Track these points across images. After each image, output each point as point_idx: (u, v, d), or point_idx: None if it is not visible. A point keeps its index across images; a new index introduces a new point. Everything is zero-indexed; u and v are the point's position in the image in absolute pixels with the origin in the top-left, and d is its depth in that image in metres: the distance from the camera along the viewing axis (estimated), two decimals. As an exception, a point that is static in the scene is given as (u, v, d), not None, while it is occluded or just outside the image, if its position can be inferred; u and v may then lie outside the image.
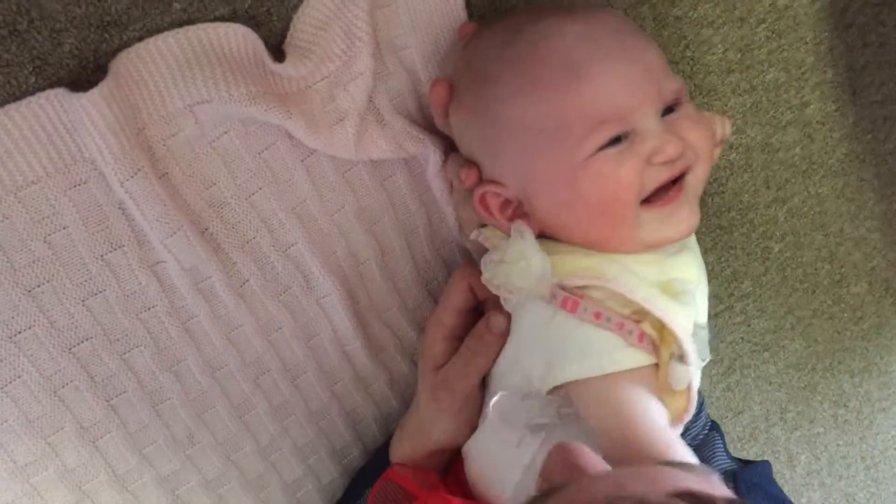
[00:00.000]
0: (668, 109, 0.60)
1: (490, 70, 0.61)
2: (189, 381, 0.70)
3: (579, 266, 0.61)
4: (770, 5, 0.83)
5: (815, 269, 1.04)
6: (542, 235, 0.63)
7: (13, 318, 0.60)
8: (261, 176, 0.65)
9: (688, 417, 0.61)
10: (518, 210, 0.64)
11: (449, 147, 0.68)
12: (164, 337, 0.67)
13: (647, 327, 0.59)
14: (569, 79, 0.58)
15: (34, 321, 0.61)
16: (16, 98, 0.55)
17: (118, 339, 0.65)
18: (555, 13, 0.61)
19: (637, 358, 0.59)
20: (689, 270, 0.63)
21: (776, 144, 0.91)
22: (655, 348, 0.59)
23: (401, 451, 0.75)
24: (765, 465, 0.79)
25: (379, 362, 0.79)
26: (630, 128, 0.58)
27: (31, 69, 0.55)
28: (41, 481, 0.66)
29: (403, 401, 0.83)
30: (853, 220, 1.02)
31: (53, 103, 0.55)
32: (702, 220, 0.86)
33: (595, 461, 0.47)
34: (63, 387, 0.64)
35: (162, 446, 0.71)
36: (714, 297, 1.00)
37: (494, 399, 0.64)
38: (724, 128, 0.68)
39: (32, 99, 0.55)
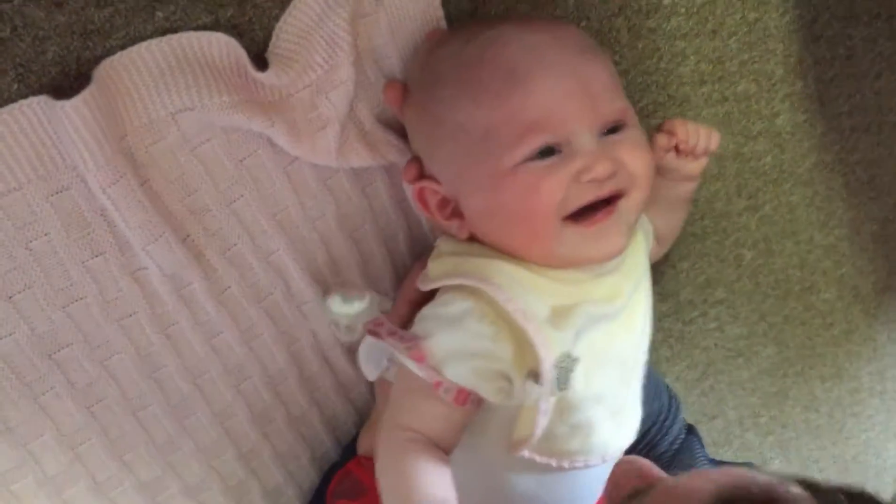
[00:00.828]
0: (612, 130, 0.61)
1: (439, 72, 0.62)
2: (170, 388, 0.70)
3: (471, 267, 0.62)
4: (741, 18, 0.85)
5: (787, 276, 1.06)
6: (474, 239, 0.65)
7: (-7, 324, 0.60)
8: (242, 183, 0.66)
9: (528, 444, 0.62)
10: (455, 210, 0.65)
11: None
12: (145, 343, 0.67)
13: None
14: (506, 85, 0.59)
15: (14, 327, 0.61)
16: (-1, 105, 0.55)
17: (99, 346, 0.65)
18: (513, 22, 0.62)
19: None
20: (615, 291, 0.63)
21: (748, 154, 0.93)
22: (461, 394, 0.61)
23: (365, 443, 0.77)
24: (750, 467, 0.80)
25: (360, 368, 0.79)
26: (562, 142, 0.59)
27: (13, 76, 0.55)
28: (21, 488, 0.66)
29: (383, 407, 0.84)
30: (823, 228, 1.04)
31: (36, 110, 0.56)
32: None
33: (663, 473, 0.50)
34: (43, 394, 0.64)
35: (143, 453, 0.71)
36: (688, 304, 1.02)
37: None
38: (710, 140, 0.68)
39: (15, 106, 0.55)
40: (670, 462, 0.80)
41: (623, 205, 0.61)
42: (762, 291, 1.06)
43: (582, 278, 0.62)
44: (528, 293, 0.60)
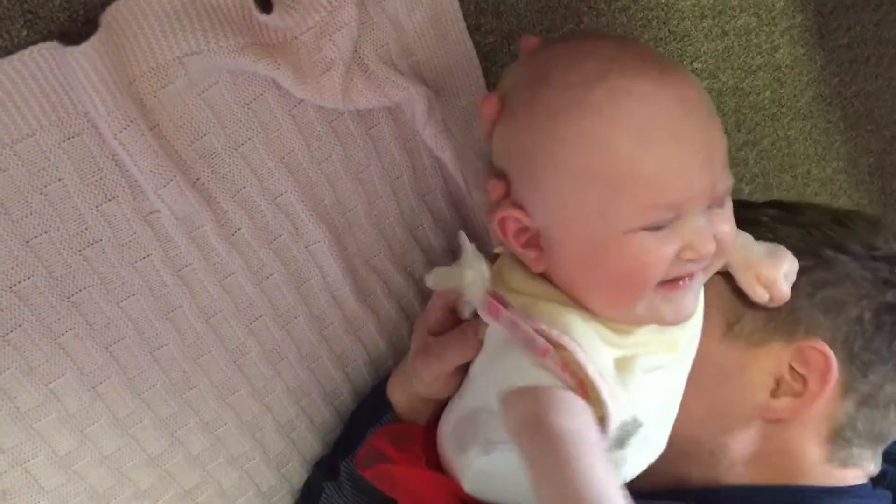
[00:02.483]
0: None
1: (556, 107, 0.57)
2: (185, 328, 0.72)
3: (544, 313, 0.60)
4: (741, -49, 0.85)
5: (784, 210, 1.07)
6: (543, 276, 0.62)
7: (12, 268, 0.62)
8: (249, 126, 0.66)
9: None
10: (533, 240, 0.61)
11: (433, 95, 0.70)
12: (159, 285, 0.69)
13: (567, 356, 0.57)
14: (636, 151, 0.55)
15: (33, 271, 0.63)
16: (8, 52, 0.56)
17: (115, 288, 0.67)
18: (643, 65, 0.57)
19: (547, 379, 0.57)
20: (674, 343, 0.62)
21: (747, 88, 0.94)
22: (581, 384, 0.57)
23: (394, 392, 0.78)
24: None
25: (367, 306, 0.81)
26: (677, 216, 0.57)
27: (22, 23, 0.56)
28: (44, 426, 0.68)
29: (391, 344, 0.86)
30: (820, 161, 1.05)
31: (46, 57, 0.56)
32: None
33: None
34: (63, 334, 0.66)
35: (160, 390, 0.73)
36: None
37: (450, 417, 0.70)
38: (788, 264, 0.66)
39: (25, 52, 0.56)
40: None
41: (704, 270, 0.60)
42: (760, 225, 1.07)
43: (638, 330, 0.61)
44: (598, 347, 0.59)
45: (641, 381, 0.59)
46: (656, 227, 0.56)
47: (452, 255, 0.81)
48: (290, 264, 0.75)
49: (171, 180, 0.64)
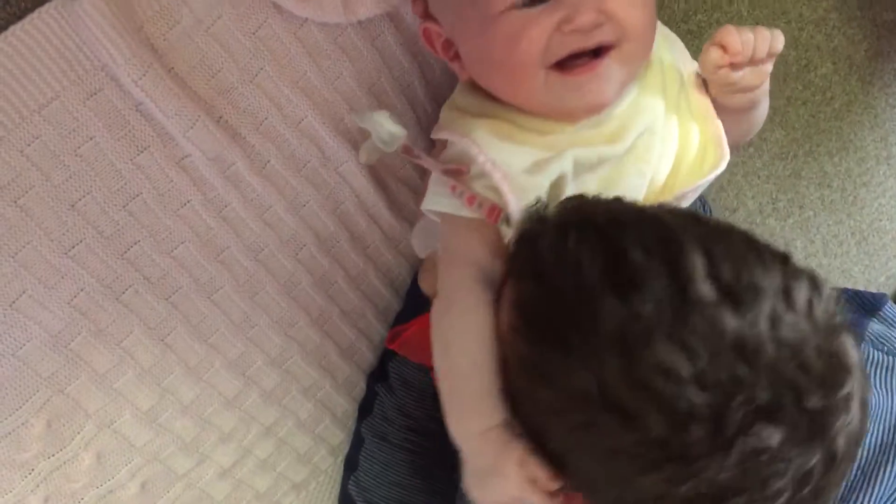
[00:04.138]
0: None
1: None
2: (236, 268, 0.73)
3: (460, 124, 0.65)
4: None
5: (783, 58, 1.08)
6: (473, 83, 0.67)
7: (64, 234, 0.63)
8: (260, 55, 0.67)
9: None
10: (457, 54, 0.66)
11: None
12: (204, 229, 0.70)
13: (480, 189, 0.63)
14: None
15: (84, 234, 0.64)
16: (18, 17, 0.56)
17: (164, 239, 0.68)
18: None
19: (454, 206, 0.64)
20: (616, 134, 0.63)
21: (730, -62, 0.94)
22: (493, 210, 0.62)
23: (425, 281, 0.81)
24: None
25: (403, 219, 0.83)
26: None
27: (25, -14, 0.56)
28: (123, 385, 0.71)
29: (432, 252, 0.87)
30: (811, 2, 1.06)
31: (55, 16, 0.57)
32: (672, 26, 0.89)
33: None
34: (124, 292, 0.68)
35: (224, 333, 0.75)
36: (694, 103, 1.04)
37: None
38: (775, 41, 0.63)
39: (34, 15, 0.56)
40: None
41: (614, 56, 0.60)
42: (762, 77, 1.08)
43: (576, 129, 0.63)
44: (506, 148, 0.62)
45: (564, 172, 0.62)
46: (534, 3, 0.58)
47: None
48: (322, 189, 0.76)
49: (197, 120, 0.64)
